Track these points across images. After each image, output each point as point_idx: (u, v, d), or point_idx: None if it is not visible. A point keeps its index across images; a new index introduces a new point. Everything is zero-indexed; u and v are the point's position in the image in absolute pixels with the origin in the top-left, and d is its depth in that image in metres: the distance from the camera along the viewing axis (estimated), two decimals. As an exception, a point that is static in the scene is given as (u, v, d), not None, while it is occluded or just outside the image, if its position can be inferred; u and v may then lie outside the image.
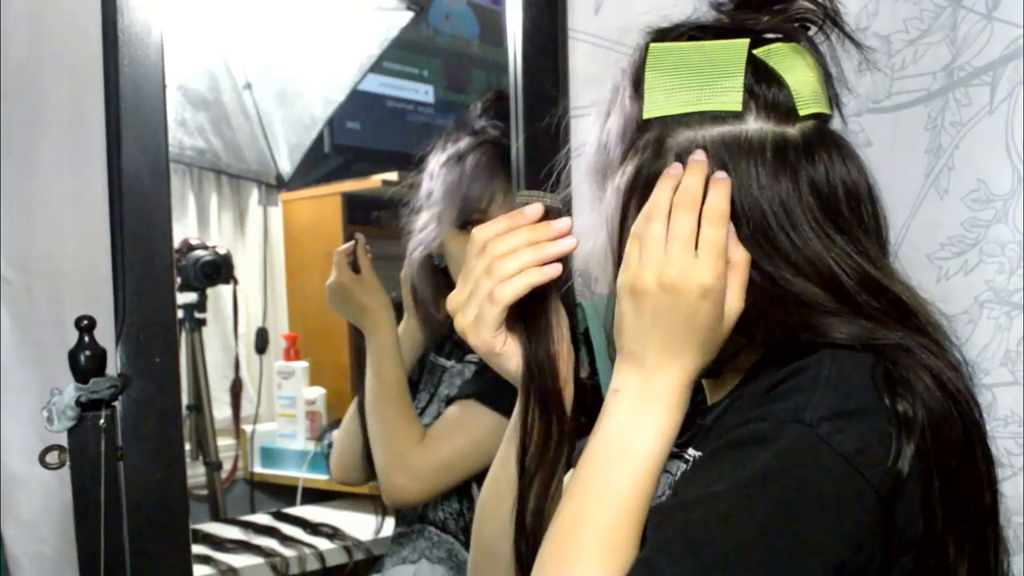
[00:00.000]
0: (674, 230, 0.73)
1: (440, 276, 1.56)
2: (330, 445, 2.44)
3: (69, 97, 1.18)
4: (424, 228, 1.52)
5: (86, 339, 1.00)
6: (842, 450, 0.66)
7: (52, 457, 0.99)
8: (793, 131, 0.77)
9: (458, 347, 1.59)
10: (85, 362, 0.99)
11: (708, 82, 0.77)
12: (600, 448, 0.74)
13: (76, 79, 1.14)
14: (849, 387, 0.69)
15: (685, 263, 0.73)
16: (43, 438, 1.01)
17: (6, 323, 1.27)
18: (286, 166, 2.73)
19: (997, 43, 1.07)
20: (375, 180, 2.50)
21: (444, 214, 1.49)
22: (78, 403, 0.98)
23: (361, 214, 2.63)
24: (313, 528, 2.15)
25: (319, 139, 2.66)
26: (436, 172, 1.51)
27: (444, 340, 1.62)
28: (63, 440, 0.99)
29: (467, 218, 1.47)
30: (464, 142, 1.51)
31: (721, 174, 0.75)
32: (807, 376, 0.70)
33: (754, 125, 0.77)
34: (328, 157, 2.73)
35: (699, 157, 0.76)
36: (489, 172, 1.46)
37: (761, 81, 0.77)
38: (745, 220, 0.75)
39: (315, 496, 2.46)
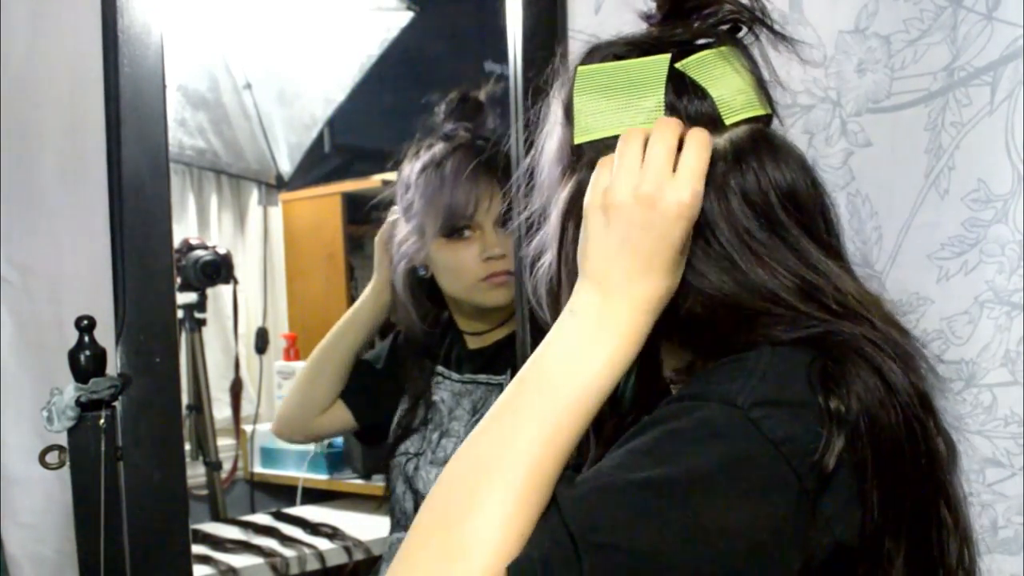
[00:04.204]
0: (652, 150, 0.72)
1: (422, 288, 1.50)
2: (330, 445, 2.45)
3: (69, 97, 1.18)
4: (406, 241, 1.46)
5: (86, 339, 1.00)
6: (771, 435, 0.65)
7: (52, 457, 0.99)
8: (721, 141, 0.77)
9: (468, 361, 1.51)
10: (85, 362, 0.99)
11: (630, 103, 0.77)
12: (538, 371, 0.70)
13: (76, 79, 1.14)
14: (783, 380, 0.69)
15: (663, 179, 0.71)
16: (43, 438, 1.01)
17: (6, 323, 1.27)
18: (286, 166, 2.74)
19: (997, 43, 1.07)
20: (375, 180, 2.50)
21: (428, 225, 1.42)
22: (78, 403, 0.98)
23: (361, 214, 2.63)
24: (313, 528, 2.15)
25: (319, 139, 2.67)
26: (413, 181, 1.44)
27: (450, 353, 1.54)
28: (63, 440, 0.99)
29: (453, 226, 1.41)
30: (439, 147, 1.44)
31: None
32: (743, 365, 0.70)
33: None
34: (328, 157, 2.73)
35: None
36: (472, 177, 1.39)
37: (682, 95, 0.77)
38: None
39: (315, 496, 2.47)
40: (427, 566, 0.65)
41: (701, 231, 0.74)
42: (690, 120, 0.76)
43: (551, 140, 0.83)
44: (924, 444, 0.71)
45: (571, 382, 0.69)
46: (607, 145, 0.77)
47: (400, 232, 1.47)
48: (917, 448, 0.70)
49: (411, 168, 1.46)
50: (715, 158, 0.75)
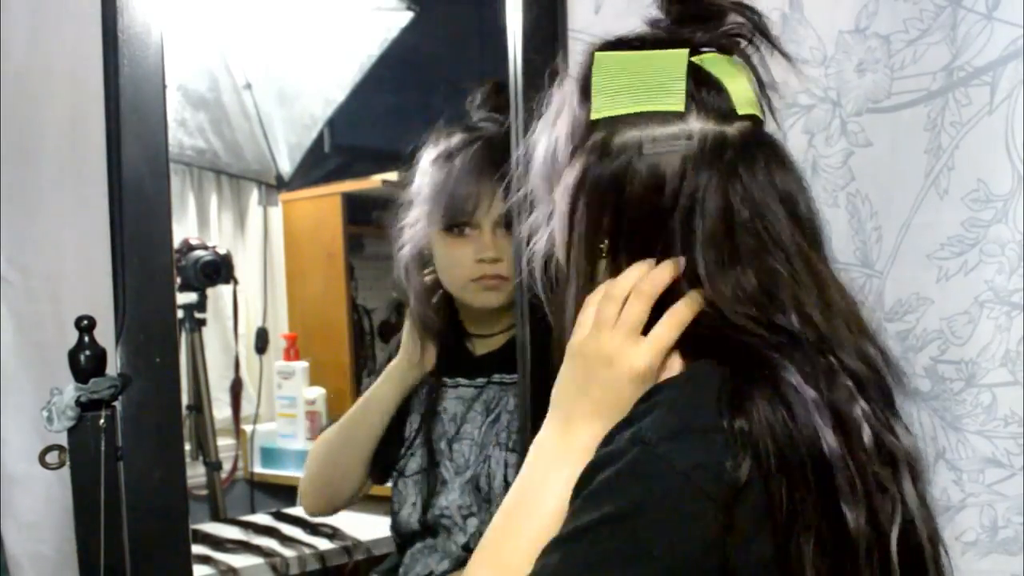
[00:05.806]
0: (626, 312, 0.80)
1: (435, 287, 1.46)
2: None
3: (69, 97, 1.18)
4: (413, 225, 1.44)
5: (86, 339, 1.00)
6: (680, 466, 0.70)
7: (52, 457, 0.99)
8: (732, 130, 0.81)
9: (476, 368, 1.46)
10: (85, 362, 0.99)
11: (652, 85, 0.81)
12: (519, 495, 0.82)
13: (76, 79, 1.14)
14: (690, 406, 0.74)
15: (628, 343, 0.79)
16: (43, 438, 1.01)
17: (6, 323, 1.27)
18: (286, 166, 2.74)
19: (997, 43, 1.07)
20: (375, 180, 2.50)
21: (431, 214, 1.41)
22: (78, 403, 0.98)
23: (361, 214, 2.64)
24: (313, 528, 2.15)
25: (319, 139, 2.67)
26: (427, 169, 1.43)
27: (460, 360, 1.49)
28: (63, 440, 0.99)
29: (453, 221, 1.38)
30: (456, 138, 1.42)
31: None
32: (662, 396, 0.76)
33: (696, 124, 0.80)
34: (328, 157, 2.73)
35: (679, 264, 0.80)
36: (476, 174, 1.36)
37: (701, 85, 0.81)
38: (669, 212, 0.79)
39: (315, 496, 2.46)
40: None
41: (692, 216, 0.78)
42: (707, 111, 0.80)
43: (562, 121, 0.86)
44: (822, 462, 0.73)
45: (541, 509, 0.80)
46: (622, 122, 0.81)
47: (410, 216, 1.46)
48: (816, 461, 0.73)
49: (428, 155, 1.44)
50: (726, 144, 0.80)
